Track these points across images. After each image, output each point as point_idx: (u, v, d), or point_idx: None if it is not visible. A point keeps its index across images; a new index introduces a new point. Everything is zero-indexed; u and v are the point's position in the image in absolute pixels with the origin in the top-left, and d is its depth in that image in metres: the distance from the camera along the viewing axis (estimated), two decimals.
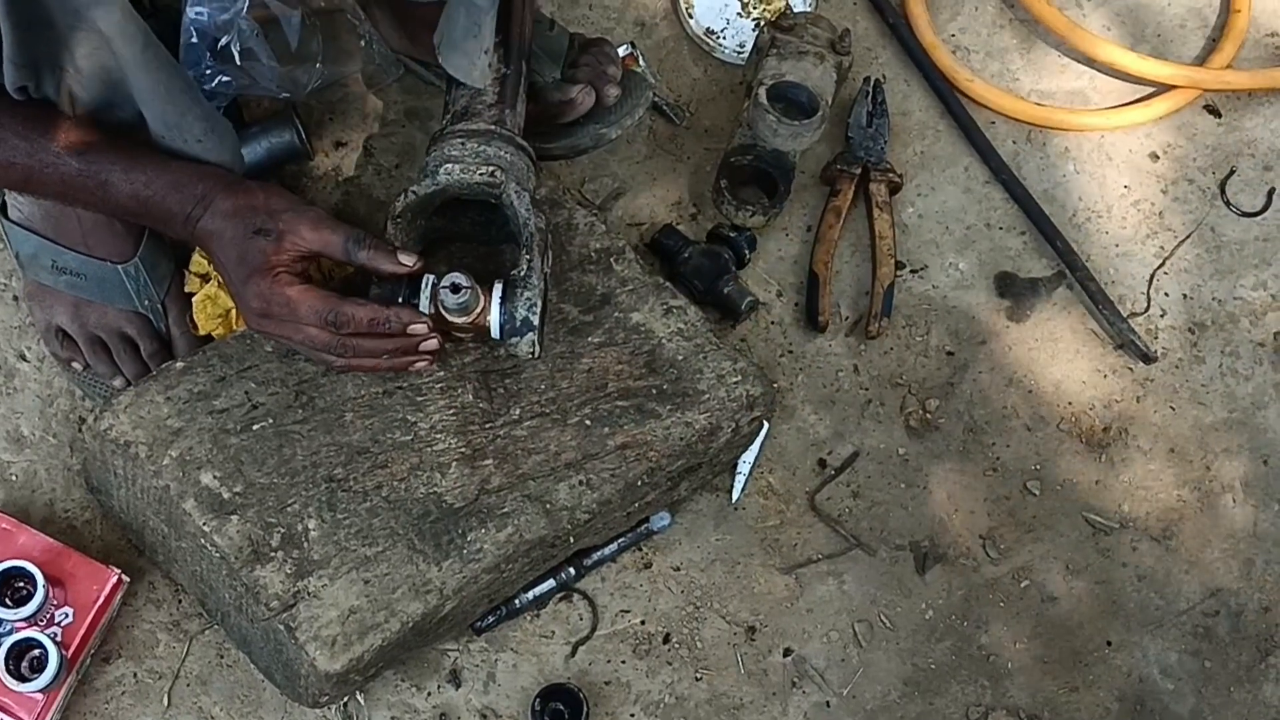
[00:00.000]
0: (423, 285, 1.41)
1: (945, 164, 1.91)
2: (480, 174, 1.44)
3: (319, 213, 1.40)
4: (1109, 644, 1.72)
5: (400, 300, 1.42)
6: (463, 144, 1.46)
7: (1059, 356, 1.84)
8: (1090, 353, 1.84)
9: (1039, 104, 1.95)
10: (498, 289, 1.44)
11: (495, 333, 1.45)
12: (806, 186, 1.86)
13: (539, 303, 1.44)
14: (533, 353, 1.47)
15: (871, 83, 1.89)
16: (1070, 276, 1.87)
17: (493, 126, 1.47)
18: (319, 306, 1.37)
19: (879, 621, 1.69)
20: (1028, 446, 1.79)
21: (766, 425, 1.71)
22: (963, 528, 1.75)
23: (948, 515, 1.75)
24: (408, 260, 1.40)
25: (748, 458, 1.71)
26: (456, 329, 1.45)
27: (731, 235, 1.77)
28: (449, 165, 1.45)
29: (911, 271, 1.85)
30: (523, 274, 1.43)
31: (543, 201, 1.58)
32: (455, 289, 1.40)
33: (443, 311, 1.42)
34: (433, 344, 1.43)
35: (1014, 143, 1.93)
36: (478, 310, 1.43)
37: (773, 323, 1.80)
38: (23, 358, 1.62)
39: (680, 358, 1.57)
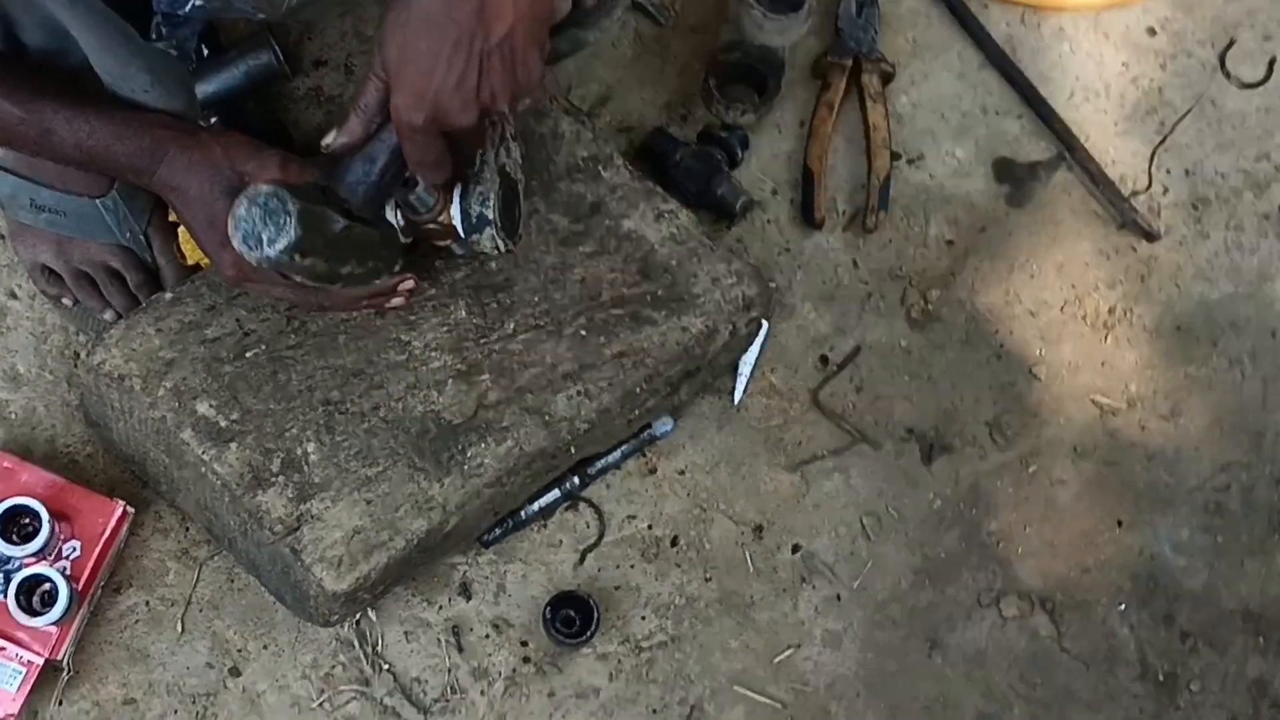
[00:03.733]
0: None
1: (938, 51, 1.88)
2: None
3: (281, 154, 1.36)
4: (1119, 524, 1.72)
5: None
6: None
7: (1061, 240, 1.82)
8: (1092, 234, 1.82)
9: None
10: (458, 188, 1.42)
11: (460, 231, 1.43)
12: (797, 81, 1.83)
13: (492, 197, 1.41)
14: (497, 248, 1.44)
15: None
16: (1069, 158, 1.84)
17: None
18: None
19: (887, 514, 1.69)
20: (1031, 332, 1.78)
21: (766, 325, 1.70)
22: (968, 416, 1.74)
23: (953, 405, 1.74)
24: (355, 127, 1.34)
25: (748, 358, 1.70)
26: (434, 236, 1.43)
27: (723, 135, 1.75)
28: None
29: (908, 162, 1.83)
30: (475, 168, 1.40)
31: (525, 110, 1.56)
32: (406, 183, 1.38)
33: (410, 217, 1.40)
34: (408, 284, 1.43)
35: (1007, 25, 1.90)
36: (441, 210, 1.41)
37: (769, 221, 1.78)
38: (13, 295, 1.62)
39: (674, 262, 1.56)
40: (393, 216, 1.40)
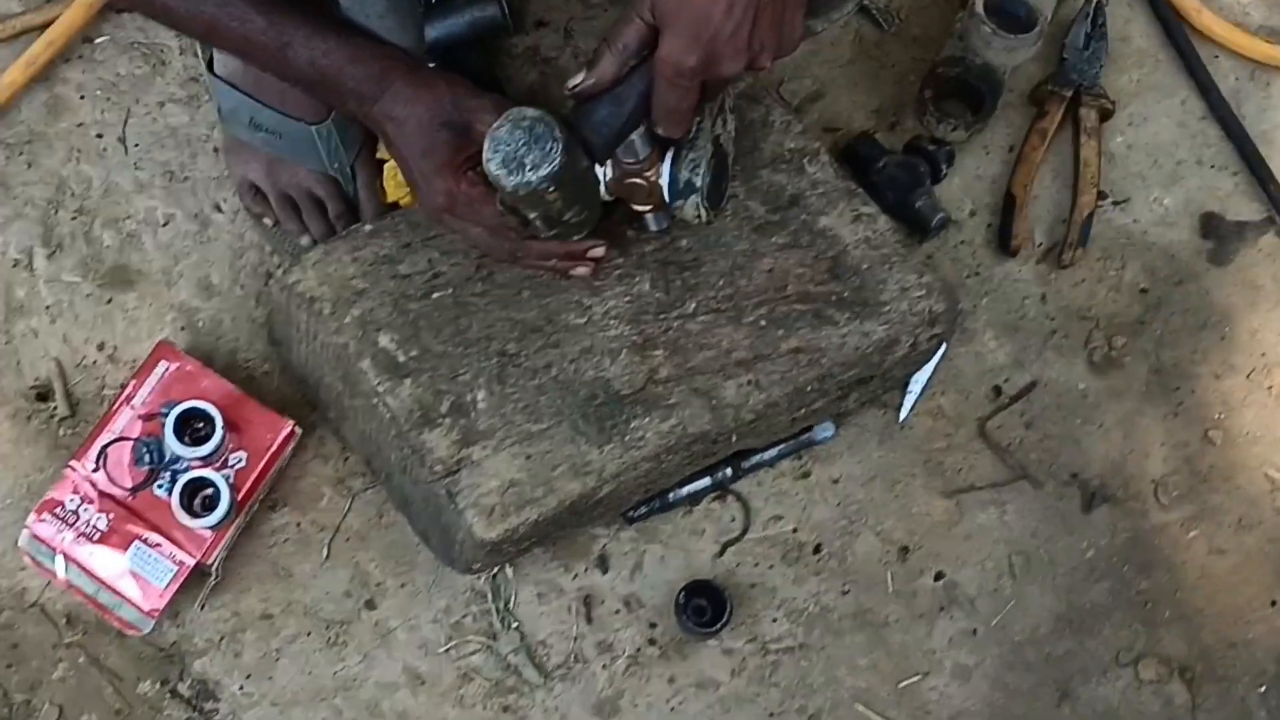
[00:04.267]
0: None
1: (1161, 95, 1.83)
2: None
3: (499, 99, 1.37)
4: (1273, 603, 1.67)
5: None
6: None
7: (1259, 305, 1.77)
8: None
9: (1269, 41, 1.85)
10: (670, 151, 1.41)
11: (665, 194, 1.43)
12: (1013, 105, 1.80)
13: (703, 165, 1.41)
14: (699, 217, 1.44)
15: (1094, 4, 1.81)
16: None
17: None
18: (485, 220, 1.37)
19: (1037, 555, 1.66)
20: (1214, 394, 1.73)
21: (944, 345, 1.68)
22: (1135, 470, 1.70)
23: (1121, 456, 1.70)
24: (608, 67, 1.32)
25: (920, 377, 1.68)
26: (636, 196, 1.43)
27: (930, 148, 1.72)
28: None
29: (1113, 203, 1.79)
30: (691, 135, 1.40)
31: (740, 95, 1.55)
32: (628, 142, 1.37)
33: (625, 165, 1.40)
34: (600, 250, 1.44)
35: (1236, 79, 1.85)
36: (650, 167, 1.40)
37: (962, 242, 1.76)
38: (218, 209, 1.67)
39: (865, 266, 1.55)
40: (603, 170, 1.40)
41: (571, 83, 1.34)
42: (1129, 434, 1.71)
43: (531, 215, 1.35)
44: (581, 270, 1.46)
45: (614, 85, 1.33)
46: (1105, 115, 1.79)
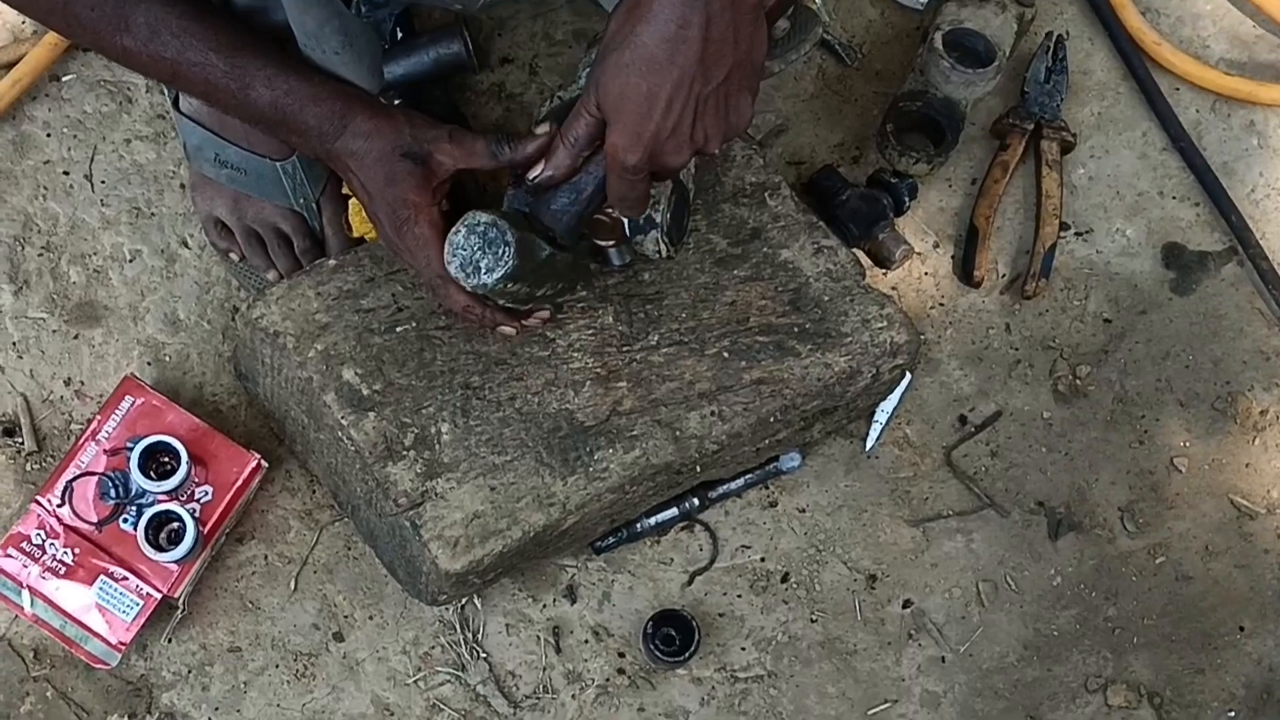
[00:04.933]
0: None
1: (1122, 127, 1.85)
2: None
3: (456, 128, 1.39)
4: (1241, 629, 1.68)
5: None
6: None
7: (1221, 334, 1.78)
8: (1255, 333, 1.78)
9: (1228, 73, 1.87)
10: None
11: (626, 229, 1.44)
12: (975, 139, 1.82)
13: (664, 202, 1.43)
14: (659, 252, 1.47)
15: (1054, 38, 1.83)
16: (1242, 253, 1.80)
17: None
18: (431, 268, 1.38)
19: (1004, 583, 1.67)
20: (1178, 422, 1.74)
21: (909, 376, 1.69)
22: (1101, 498, 1.71)
23: (1087, 484, 1.71)
24: (541, 129, 1.37)
25: (886, 406, 1.69)
26: (598, 231, 1.45)
27: (893, 181, 1.74)
28: None
29: (1076, 234, 1.81)
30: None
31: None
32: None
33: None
34: (544, 314, 1.46)
35: (1197, 111, 1.87)
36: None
37: (926, 274, 1.77)
38: (185, 245, 1.68)
39: (826, 298, 1.56)
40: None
41: (531, 174, 1.37)
42: (1094, 462, 1.72)
43: (501, 302, 1.40)
44: (508, 331, 1.47)
45: (570, 175, 1.36)
46: (1067, 147, 1.81)
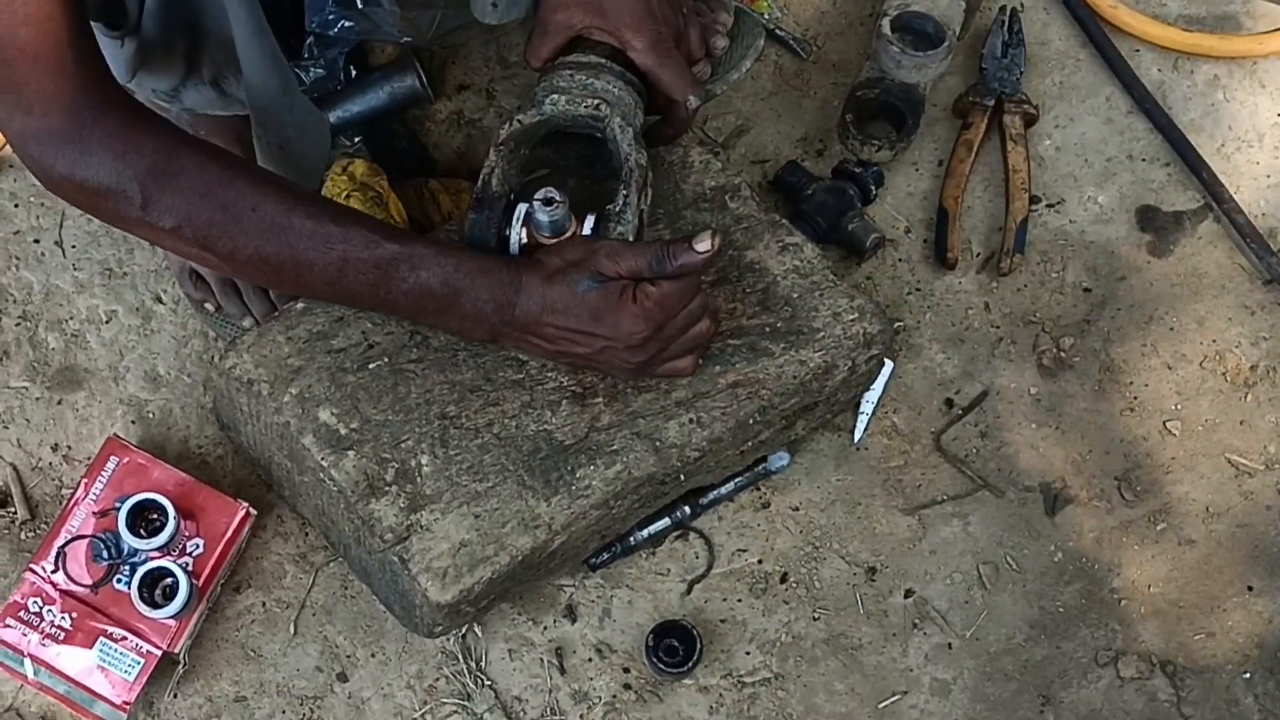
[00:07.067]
0: (516, 212, 1.42)
1: (1085, 94, 1.84)
2: (585, 106, 1.44)
3: (610, 244, 1.39)
4: (1250, 589, 1.66)
5: (494, 229, 1.42)
6: (571, 76, 1.46)
7: (1203, 293, 1.77)
8: (1237, 288, 1.77)
9: (1187, 29, 1.86)
10: (590, 219, 1.43)
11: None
12: (938, 120, 1.82)
13: (630, 238, 1.43)
14: None
15: (1008, 11, 1.83)
16: (1217, 209, 1.79)
17: (604, 60, 1.47)
18: (689, 307, 1.42)
19: (1005, 564, 1.66)
20: (1168, 385, 1.73)
21: (891, 364, 1.69)
22: (1096, 469, 1.70)
23: (1081, 456, 1.70)
24: (703, 245, 1.38)
25: (871, 397, 1.68)
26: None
27: (857, 171, 1.74)
28: (555, 96, 1.45)
29: (1048, 206, 1.80)
30: (618, 209, 1.42)
31: (655, 141, 1.57)
32: (548, 202, 1.39)
33: (535, 233, 1.42)
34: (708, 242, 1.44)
35: (1159, 71, 1.86)
36: (569, 234, 1.43)
37: (900, 260, 1.77)
38: (159, 300, 1.69)
39: (795, 295, 1.56)
40: (516, 233, 1.42)
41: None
42: (1086, 433, 1.71)
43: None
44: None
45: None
46: (1030, 120, 1.80)
